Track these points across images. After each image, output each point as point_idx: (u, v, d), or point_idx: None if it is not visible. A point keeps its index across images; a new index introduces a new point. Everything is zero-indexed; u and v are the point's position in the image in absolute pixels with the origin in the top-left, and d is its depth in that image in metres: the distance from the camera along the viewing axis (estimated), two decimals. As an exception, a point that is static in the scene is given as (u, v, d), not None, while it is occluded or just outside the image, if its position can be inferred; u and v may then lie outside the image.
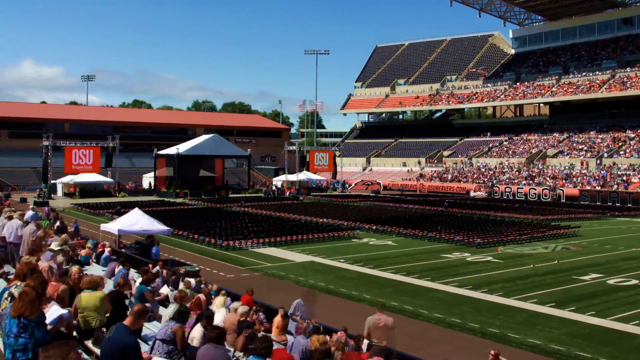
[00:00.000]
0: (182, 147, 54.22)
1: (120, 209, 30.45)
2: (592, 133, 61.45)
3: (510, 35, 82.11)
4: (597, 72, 65.05)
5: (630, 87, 59.36)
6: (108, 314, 6.85)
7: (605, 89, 61.68)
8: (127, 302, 8.17)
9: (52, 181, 49.25)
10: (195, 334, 7.10)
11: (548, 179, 52.37)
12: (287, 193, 54.08)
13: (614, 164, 52.58)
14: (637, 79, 59.83)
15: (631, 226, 32.86)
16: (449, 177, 60.96)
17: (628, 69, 62.38)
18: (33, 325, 5.07)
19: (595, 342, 11.53)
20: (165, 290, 11.03)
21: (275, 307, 10.30)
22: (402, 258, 21.24)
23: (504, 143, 67.42)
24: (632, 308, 14.13)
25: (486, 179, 56.90)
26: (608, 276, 17.94)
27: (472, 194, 54.54)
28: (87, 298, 6.66)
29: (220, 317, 9.02)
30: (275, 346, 7.42)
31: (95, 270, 11.68)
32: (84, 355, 5.53)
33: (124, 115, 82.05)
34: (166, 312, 8.39)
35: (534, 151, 61.72)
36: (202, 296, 9.84)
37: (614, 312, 13.74)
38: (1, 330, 5.37)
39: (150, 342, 6.52)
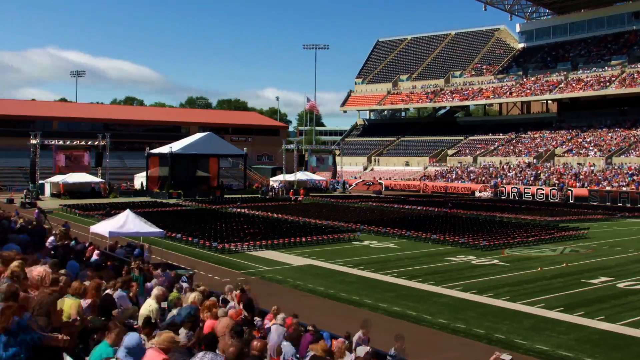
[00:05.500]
0: (176, 146, 53.04)
1: (111, 210, 29.98)
2: (601, 131, 59.83)
3: (517, 30, 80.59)
4: (606, 68, 63.67)
5: (641, 83, 57.69)
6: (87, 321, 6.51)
7: (615, 85, 60.08)
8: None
9: (40, 181, 48.42)
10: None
11: (555, 179, 50.63)
12: (280, 193, 52.56)
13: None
14: (649, 75, 58.24)
15: (642, 228, 32.30)
16: (454, 176, 59.30)
17: (639, 65, 60.81)
18: (20, 332, 4.94)
19: (605, 348, 11.31)
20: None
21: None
22: (404, 261, 20.87)
23: (511, 141, 65.76)
24: (642, 312, 13.81)
25: (493, 178, 55.21)
26: (618, 279, 17.65)
27: (477, 194, 53.24)
28: (62, 303, 6.43)
29: None
30: None
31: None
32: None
33: (115, 112, 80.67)
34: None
35: (541, 150, 60.06)
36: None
37: (624, 316, 13.46)
38: None
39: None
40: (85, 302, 7.28)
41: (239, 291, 10.57)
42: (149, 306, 7.71)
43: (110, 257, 15.38)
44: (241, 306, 9.98)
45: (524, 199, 49.35)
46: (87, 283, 7.75)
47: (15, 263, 7.22)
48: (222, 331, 7.36)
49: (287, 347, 7.37)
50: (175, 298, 9.10)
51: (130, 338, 5.15)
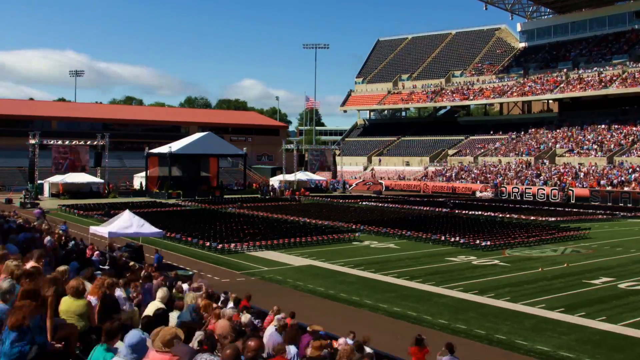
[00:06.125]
0: (175, 146, 52.88)
1: (110, 211, 30.16)
2: (602, 130, 59.50)
3: (518, 29, 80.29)
4: (607, 67, 63.27)
5: (642, 82, 57.38)
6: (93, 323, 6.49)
7: (616, 84, 59.80)
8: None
9: (39, 181, 48.24)
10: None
11: (556, 179, 50.41)
12: (279, 194, 52.33)
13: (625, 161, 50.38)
14: (650, 74, 57.95)
15: (643, 228, 32.15)
16: (454, 176, 59.05)
17: (640, 64, 60.44)
18: (36, 330, 4.98)
19: (606, 349, 11.26)
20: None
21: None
22: (404, 261, 20.79)
23: (512, 141, 65.45)
24: (644, 313, 13.77)
25: (493, 177, 54.94)
26: (619, 280, 17.59)
27: (478, 194, 52.90)
28: (70, 303, 6.35)
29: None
30: None
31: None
32: None
33: (114, 112, 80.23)
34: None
35: (542, 149, 59.73)
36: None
37: (626, 317, 13.38)
38: None
39: None
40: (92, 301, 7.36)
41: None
42: (155, 308, 7.66)
43: (110, 257, 15.37)
44: None
45: (524, 199, 49.04)
46: (87, 283, 7.68)
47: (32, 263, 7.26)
48: (221, 332, 7.39)
49: (289, 347, 7.26)
50: (176, 299, 9.00)
51: (132, 336, 5.04)
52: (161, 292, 8.28)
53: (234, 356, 5.37)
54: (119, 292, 8.47)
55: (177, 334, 5.17)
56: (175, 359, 4.88)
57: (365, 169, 72.72)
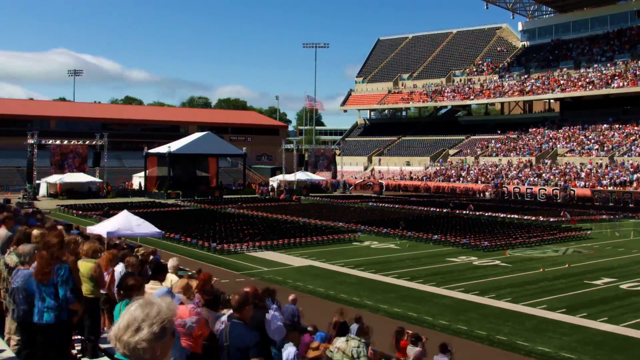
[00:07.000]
0: (174, 146, 52.74)
1: (109, 211, 30.01)
2: (604, 130, 59.24)
3: (519, 28, 79.93)
4: (609, 66, 62.97)
5: (644, 81, 57.10)
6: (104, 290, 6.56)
7: (618, 83, 59.50)
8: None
9: (37, 181, 48.08)
10: None
11: (558, 179, 50.11)
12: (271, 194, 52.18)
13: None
14: (652, 73, 57.67)
15: (645, 228, 31.99)
16: (455, 177, 58.79)
17: (642, 63, 60.13)
18: (62, 282, 5.01)
19: (608, 350, 11.24)
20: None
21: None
22: (405, 262, 20.70)
23: (513, 140, 65.18)
24: (645, 314, 13.69)
25: (495, 177, 54.72)
26: (621, 280, 17.53)
27: (479, 194, 52.52)
28: (82, 265, 6.46)
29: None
30: None
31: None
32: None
33: (113, 112, 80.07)
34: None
35: (543, 149, 59.47)
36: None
37: (628, 318, 13.35)
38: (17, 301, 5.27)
39: None
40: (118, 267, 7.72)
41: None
42: (169, 281, 7.67)
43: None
44: None
45: (526, 199, 48.82)
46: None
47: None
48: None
49: (288, 347, 7.27)
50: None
51: (161, 290, 5.14)
52: (172, 262, 8.39)
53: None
54: (119, 267, 8.59)
55: (189, 285, 5.40)
56: (196, 306, 5.04)
57: (365, 168, 72.46)
